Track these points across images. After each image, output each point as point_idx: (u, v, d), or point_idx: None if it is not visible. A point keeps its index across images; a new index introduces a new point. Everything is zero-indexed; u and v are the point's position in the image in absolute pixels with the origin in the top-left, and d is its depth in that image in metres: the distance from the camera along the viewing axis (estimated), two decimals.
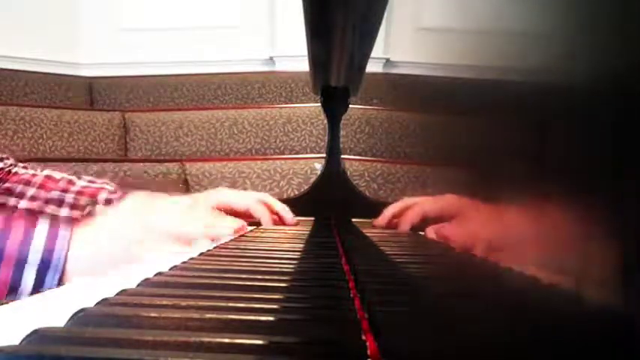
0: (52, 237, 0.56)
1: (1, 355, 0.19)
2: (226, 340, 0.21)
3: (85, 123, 2.11)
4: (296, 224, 0.82)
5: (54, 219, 0.58)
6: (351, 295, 0.31)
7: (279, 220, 0.82)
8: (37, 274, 0.55)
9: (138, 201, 0.65)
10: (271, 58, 2.72)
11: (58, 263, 0.55)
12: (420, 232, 0.46)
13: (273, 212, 0.82)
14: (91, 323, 0.24)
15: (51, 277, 0.55)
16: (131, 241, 0.58)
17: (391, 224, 0.72)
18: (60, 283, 0.56)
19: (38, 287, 0.55)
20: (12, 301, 0.55)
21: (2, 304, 0.29)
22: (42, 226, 0.56)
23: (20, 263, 0.54)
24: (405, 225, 0.62)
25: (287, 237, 0.67)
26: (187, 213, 0.65)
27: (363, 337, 0.23)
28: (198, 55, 2.72)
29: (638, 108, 0.09)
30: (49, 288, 0.54)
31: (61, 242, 0.56)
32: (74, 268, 0.56)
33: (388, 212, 0.73)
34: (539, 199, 0.15)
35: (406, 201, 0.67)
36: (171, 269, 0.39)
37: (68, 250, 0.56)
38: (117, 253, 0.57)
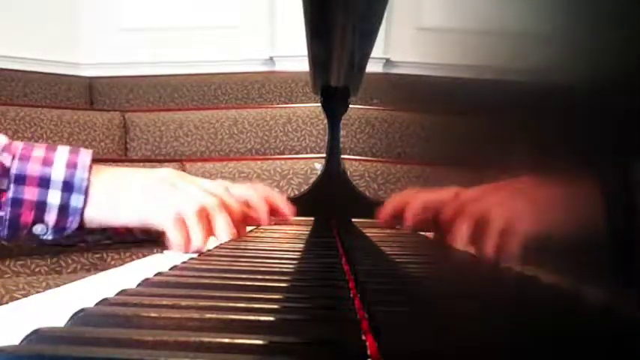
0: (73, 158, 0.56)
1: (1, 355, 0.19)
2: (226, 340, 0.21)
3: (85, 123, 2.11)
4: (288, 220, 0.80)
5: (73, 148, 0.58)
6: (351, 295, 0.31)
7: (278, 213, 0.79)
8: (62, 194, 0.55)
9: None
10: (271, 58, 2.72)
11: (81, 184, 0.55)
12: (421, 232, 0.46)
13: (273, 207, 0.78)
14: (91, 323, 0.24)
15: (76, 198, 0.55)
16: (156, 191, 0.57)
17: (393, 220, 0.70)
18: (84, 208, 0.55)
19: (65, 210, 0.55)
20: (42, 225, 0.54)
21: (2, 304, 0.29)
22: (62, 150, 0.57)
23: (44, 182, 0.54)
24: (408, 221, 0.61)
25: (287, 237, 0.67)
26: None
27: (363, 337, 0.23)
28: (198, 55, 2.72)
29: (638, 108, 0.09)
30: (75, 210, 0.55)
31: (82, 162, 0.56)
32: (98, 195, 0.56)
33: (387, 208, 0.71)
34: (539, 198, 0.15)
35: (403, 195, 0.65)
36: (171, 269, 0.39)
37: (90, 173, 0.56)
38: (139, 197, 0.56)
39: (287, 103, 2.42)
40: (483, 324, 0.18)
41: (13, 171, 0.54)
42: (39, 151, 0.56)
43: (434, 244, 0.38)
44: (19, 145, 0.56)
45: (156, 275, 0.36)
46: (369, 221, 0.88)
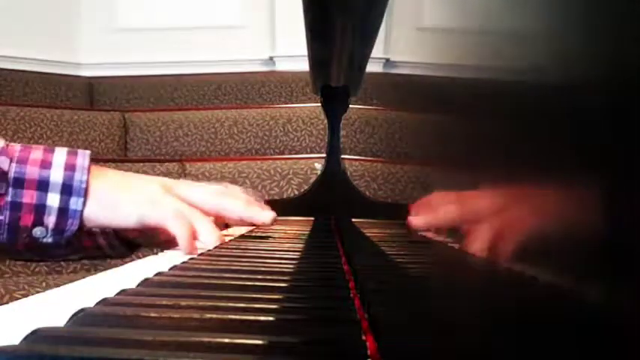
0: (71, 160, 0.56)
1: (1, 355, 0.19)
2: (226, 340, 0.21)
3: (85, 123, 2.11)
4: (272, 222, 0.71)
5: (70, 150, 0.57)
6: (351, 295, 0.31)
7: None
8: (60, 197, 0.54)
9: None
10: (271, 58, 2.72)
11: (80, 186, 0.55)
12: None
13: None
14: (91, 323, 0.24)
15: (75, 201, 0.55)
16: (154, 193, 0.56)
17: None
18: (83, 210, 0.55)
19: (65, 212, 0.55)
20: (41, 228, 0.54)
21: (2, 304, 0.29)
22: (60, 151, 0.56)
23: (42, 185, 0.54)
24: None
25: (287, 237, 0.67)
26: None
27: (363, 337, 0.23)
28: (198, 55, 2.72)
29: (638, 108, 0.09)
30: (75, 212, 0.55)
31: (81, 164, 0.56)
32: (97, 196, 0.56)
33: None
34: (539, 199, 0.15)
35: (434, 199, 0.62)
36: (171, 269, 0.39)
37: (89, 174, 0.56)
38: (137, 197, 0.56)
39: (287, 103, 2.43)
40: (483, 324, 0.18)
41: (11, 174, 0.53)
42: (37, 153, 0.55)
43: (433, 244, 0.38)
44: (16, 148, 0.55)
45: (156, 275, 0.36)
46: (369, 221, 0.88)
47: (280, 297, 0.30)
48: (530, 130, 0.15)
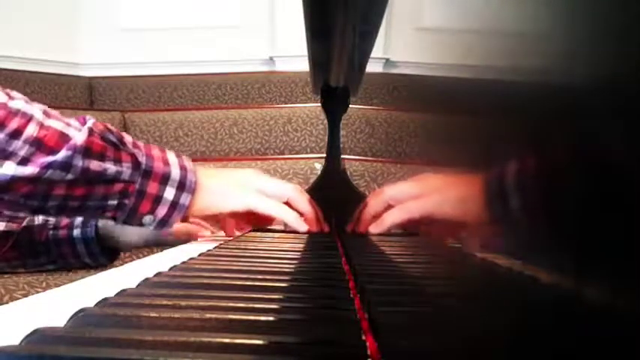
0: (181, 162, 0.65)
1: (1, 355, 0.19)
2: (226, 340, 0.21)
3: None
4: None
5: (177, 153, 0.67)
6: (351, 295, 0.31)
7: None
8: (175, 192, 0.63)
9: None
10: (271, 58, 2.72)
11: (190, 185, 0.64)
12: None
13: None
14: (91, 323, 0.24)
15: (185, 197, 0.64)
16: (251, 189, 0.67)
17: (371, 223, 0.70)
18: (189, 207, 0.64)
19: (175, 206, 0.64)
20: (152, 216, 0.63)
21: (2, 304, 0.29)
22: (169, 151, 0.66)
23: (164, 180, 0.63)
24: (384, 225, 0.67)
25: (287, 237, 0.67)
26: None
27: (363, 337, 0.23)
28: (198, 55, 2.72)
29: (638, 108, 0.09)
30: (182, 207, 0.64)
31: (189, 165, 0.65)
32: (209, 188, 0.66)
33: (369, 213, 0.74)
34: (539, 199, 0.15)
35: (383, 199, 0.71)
36: (171, 269, 0.39)
37: (195, 171, 0.65)
38: (239, 194, 0.67)
39: (287, 103, 2.43)
40: (483, 323, 0.18)
41: (143, 167, 0.62)
42: (156, 150, 0.64)
43: (433, 245, 0.38)
44: (139, 144, 0.64)
45: (156, 275, 0.36)
46: None
47: (280, 297, 0.30)
48: (529, 130, 0.15)
